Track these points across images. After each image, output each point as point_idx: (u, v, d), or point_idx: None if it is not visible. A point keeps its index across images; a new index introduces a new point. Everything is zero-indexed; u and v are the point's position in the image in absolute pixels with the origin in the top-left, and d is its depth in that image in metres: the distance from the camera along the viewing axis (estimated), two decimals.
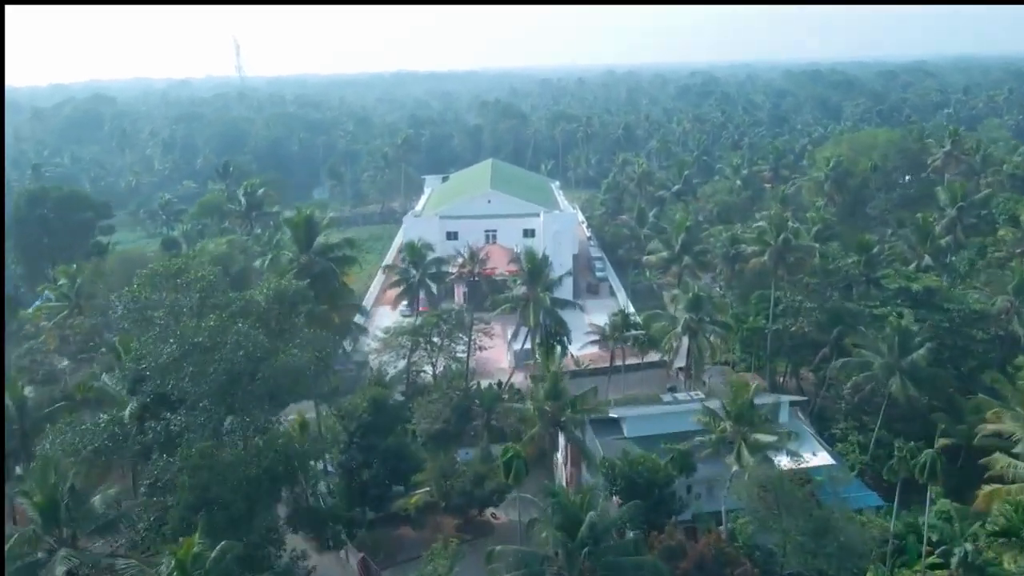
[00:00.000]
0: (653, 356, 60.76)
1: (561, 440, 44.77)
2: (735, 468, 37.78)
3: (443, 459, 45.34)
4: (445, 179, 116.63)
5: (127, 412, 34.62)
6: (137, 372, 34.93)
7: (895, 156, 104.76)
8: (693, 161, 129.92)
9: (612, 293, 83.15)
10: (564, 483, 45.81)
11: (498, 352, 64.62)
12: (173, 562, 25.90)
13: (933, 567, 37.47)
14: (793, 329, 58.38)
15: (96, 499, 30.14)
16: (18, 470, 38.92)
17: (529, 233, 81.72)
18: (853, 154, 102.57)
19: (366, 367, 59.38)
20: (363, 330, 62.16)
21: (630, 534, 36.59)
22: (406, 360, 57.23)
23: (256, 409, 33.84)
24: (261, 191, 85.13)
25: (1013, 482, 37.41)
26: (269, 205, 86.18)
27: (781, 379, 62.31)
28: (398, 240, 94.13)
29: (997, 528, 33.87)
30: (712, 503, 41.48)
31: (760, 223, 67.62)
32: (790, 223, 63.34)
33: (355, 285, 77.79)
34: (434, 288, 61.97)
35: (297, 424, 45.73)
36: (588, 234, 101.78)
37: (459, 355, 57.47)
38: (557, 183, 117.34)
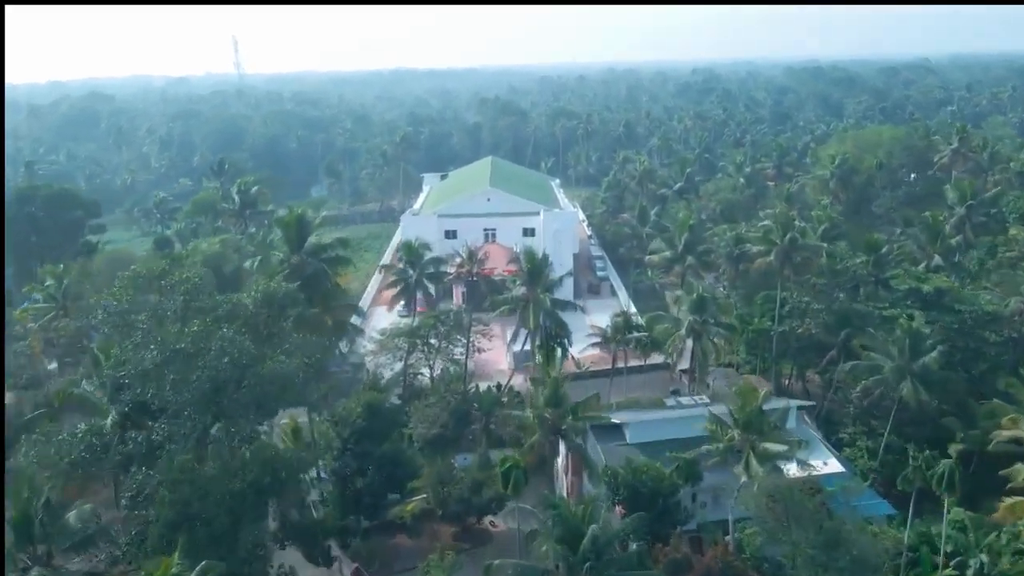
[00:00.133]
0: (656, 358, 59.59)
1: (562, 447, 43.41)
2: (744, 479, 36.38)
3: (440, 465, 44.11)
4: (444, 177, 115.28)
5: (108, 421, 33.15)
6: (117, 379, 33.46)
7: (901, 153, 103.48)
8: (695, 159, 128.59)
9: (613, 293, 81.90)
10: (565, 492, 44.48)
11: (497, 354, 63.46)
12: None
13: None
14: (800, 331, 57.11)
15: (72, 514, 28.63)
16: None
17: (529, 232, 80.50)
18: (858, 152, 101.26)
19: (362, 369, 58.21)
20: (359, 331, 60.81)
21: (633, 546, 35.32)
22: (403, 362, 56.01)
23: (242, 418, 32.36)
24: (255, 189, 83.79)
25: None
26: (263, 203, 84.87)
27: (787, 382, 61.07)
28: (396, 239, 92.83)
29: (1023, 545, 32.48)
30: (718, 512, 40.14)
31: (765, 222, 66.44)
32: (796, 222, 62.13)
33: (352, 285, 76.64)
34: (432, 288, 60.75)
35: (289, 430, 44.53)
36: (589, 233, 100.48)
37: (457, 357, 56.26)
38: (557, 181, 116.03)
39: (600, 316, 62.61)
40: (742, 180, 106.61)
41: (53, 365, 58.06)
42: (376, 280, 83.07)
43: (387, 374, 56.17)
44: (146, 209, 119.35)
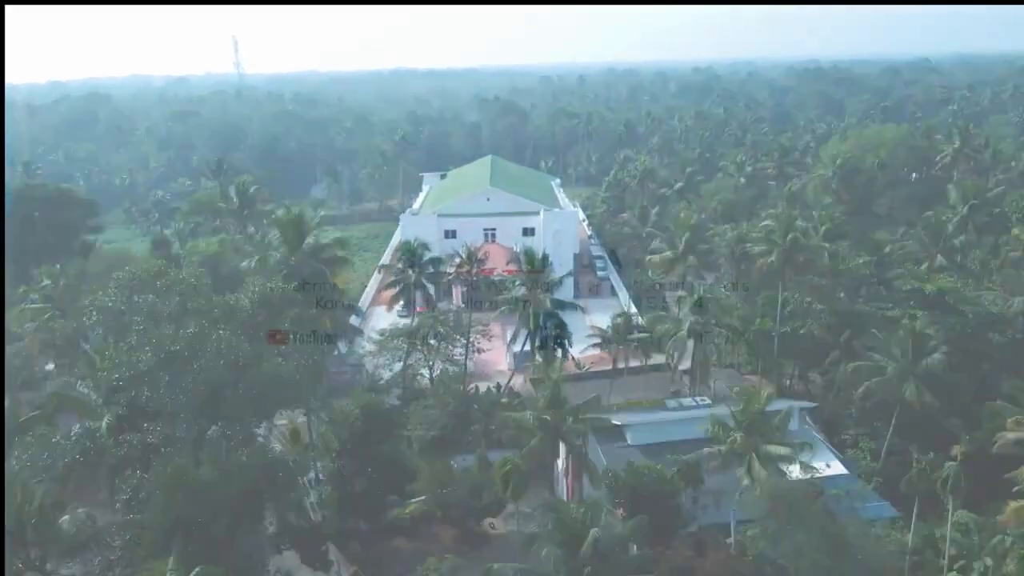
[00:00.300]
0: (656, 359, 59.15)
1: (562, 449, 43.02)
2: (746, 482, 36.00)
3: (440, 467, 43.73)
4: (443, 176, 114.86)
5: (103, 424, 32.75)
6: (112, 382, 33.07)
7: (903, 153, 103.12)
8: (696, 158, 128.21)
9: (614, 293, 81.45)
10: (565, 494, 44.12)
11: (497, 354, 63.14)
12: None
13: None
14: (801, 331, 56.76)
15: (65, 519, 28.24)
16: None
17: (529, 232, 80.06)
18: (860, 151, 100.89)
19: (361, 370, 57.93)
20: (358, 332, 60.54)
21: (634, 549, 34.97)
22: (402, 363, 55.70)
23: (239, 420, 31.97)
24: (254, 189, 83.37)
25: None
26: (262, 203, 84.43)
27: (788, 383, 60.71)
28: (395, 239, 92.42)
29: None
30: (720, 514, 39.74)
31: (767, 222, 66.02)
32: (798, 222, 61.79)
33: (352, 285, 76.22)
34: (431, 288, 60.40)
35: (288, 432, 44.17)
36: (589, 233, 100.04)
37: (457, 357, 55.94)
38: (558, 181, 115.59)
39: (600, 316, 62.20)
40: (743, 180, 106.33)
41: (50, 366, 57.73)
42: (375, 280, 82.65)
43: (386, 375, 55.87)
44: (144, 209, 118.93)
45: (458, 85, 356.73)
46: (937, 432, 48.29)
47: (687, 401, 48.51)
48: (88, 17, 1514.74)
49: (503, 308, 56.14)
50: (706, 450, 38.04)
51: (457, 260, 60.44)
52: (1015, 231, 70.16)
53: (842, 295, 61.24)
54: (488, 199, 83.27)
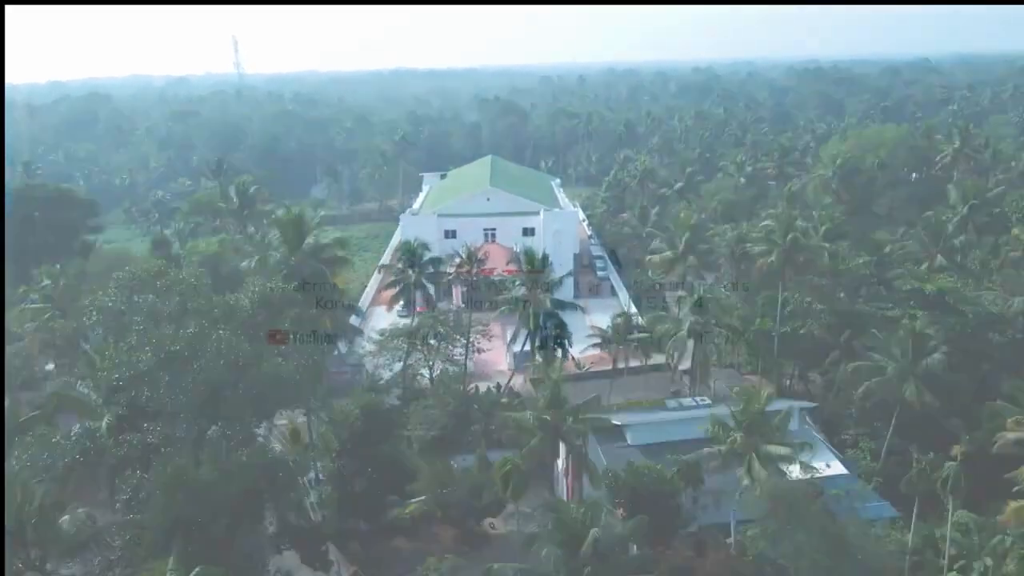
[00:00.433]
0: (656, 359, 59.13)
1: (562, 449, 43.02)
2: (746, 482, 36.00)
3: (439, 467, 43.72)
4: (443, 176, 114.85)
5: (103, 424, 32.73)
6: (112, 382, 33.05)
7: (903, 153, 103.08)
8: (696, 158, 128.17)
9: (614, 293, 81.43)
10: (565, 494, 44.11)
11: (497, 354, 63.13)
12: None
13: None
14: (802, 331, 56.75)
15: (65, 519, 28.23)
16: None
17: (529, 232, 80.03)
18: (860, 151, 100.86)
19: (361, 370, 57.93)
20: (358, 332, 60.55)
21: (634, 549, 34.96)
22: (402, 363, 55.69)
23: (239, 420, 31.95)
24: (254, 189, 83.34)
25: None
26: (262, 203, 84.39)
27: (788, 382, 60.70)
28: (395, 239, 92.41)
29: None
30: (720, 514, 39.73)
31: (767, 222, 66.00)
32: (798, 222, 61.77)
33: (351, 285, 76.20)
34: (431, 288, 60.39)
35: (288, 432, 44.16)
36: (589, 233, 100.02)
37: (457, 357, 55.93)
38: (558, 180, 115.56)
39: (600, 316, 62.19)
40: (743, 180, 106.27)
41: (50, 366, 57.72)
42: (375, 280, 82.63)
43: (386, 375, 55.85)
44: (144, 209, 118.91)
45: (458, 85, 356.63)
46: (937, 432, 48.29)
47: (687, 401, 48.49)
48: (88, 17, 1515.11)
49: (503, 308, 56.10)
50: (706, 450, 38.02)
51: (457, 260, 60.42)
52: (1015, 231, 70.15)
53: (842, 295, 61.21)
54: (488, 199, 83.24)
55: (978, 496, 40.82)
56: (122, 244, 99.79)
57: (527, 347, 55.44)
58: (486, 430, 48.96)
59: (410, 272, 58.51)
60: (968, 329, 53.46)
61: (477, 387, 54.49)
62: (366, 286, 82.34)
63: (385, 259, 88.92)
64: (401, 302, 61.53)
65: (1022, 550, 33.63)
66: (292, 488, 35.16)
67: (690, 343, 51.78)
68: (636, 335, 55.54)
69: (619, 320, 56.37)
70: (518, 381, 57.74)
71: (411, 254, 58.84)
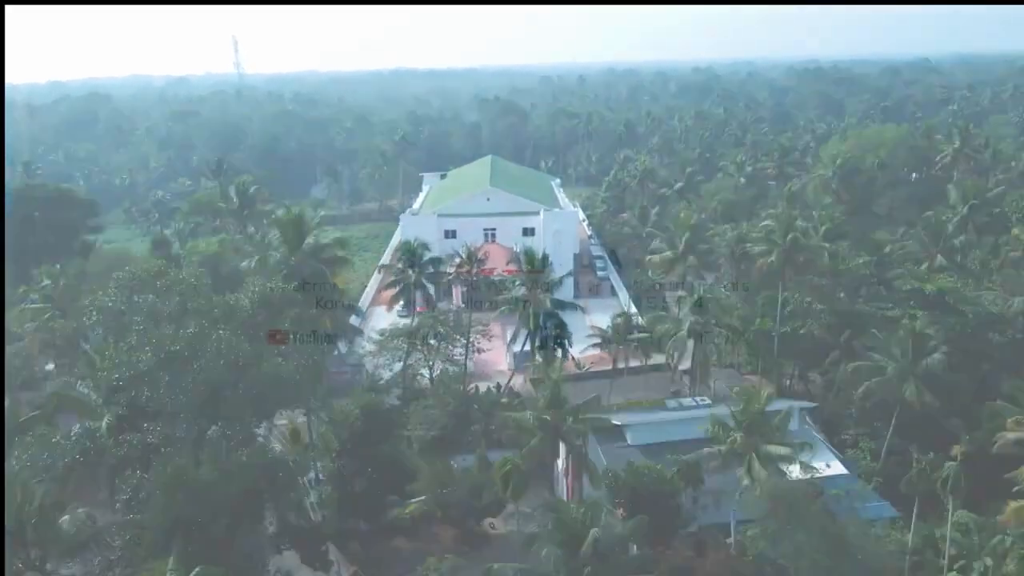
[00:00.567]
0: (656, 359, 59.12)
1: (562, 449, 43.01)
2: (746, 482, 35.99)
3: (439, 467, 43.71)
4: (443, 176, 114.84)
5: (103, 424, 32.73)
6: (111, 382, 33.04)
7: (903, 153, 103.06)
8: (696, 158, 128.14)
9: (614, 293, 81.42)
10: (565, 494, 44.10)
11: (497, 354, 63.13)
12: None
13: None
14: (801, 331, 56.74)
15: (65, 519, 28.23)
16: None
17: (529, 232, 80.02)
18: (860, 151, 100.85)
19: (361, 370, 57.92)
20: (358, 332, 60.54)
21: (634, 549, 34.95)
22: (402, 363, 55.68)
23: (239, 420, 31.95)
24: (254, 189, 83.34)
25: None
26: (262, 203, 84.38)
27: (788, 382, 60.69)
28: (395, 239, 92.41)
29: None
30: (720, 514, 39.73)
31: (767, 222, 65.98)
32: (798, 222, 61.75)
33: (352, 285, 76.18)
34: (431, 288, 60.39)
35: (288, 432, 44.15)
36: (589, 233, 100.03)
37: (457, 357, 55.91)
38: (558, 180, 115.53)
39: (600, 316, 62.18)
40: (743, 180, 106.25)
41: (50, 366, 57.71)
42: (375, 280, 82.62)
43: (386, 375, 55.83)
44: (144, 209, 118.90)
45: (458, 85, 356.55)
46: (937, 432, 48.28)
47: (687, 401, 48.48)
48: (88, 17, 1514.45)
49: (503, 308, 56.08)
50: (706, 450, 38.01)
51: (457, 260, 60.41)
52: (1015, 231, 70.13)
53: (842, 295, 61.19)
54: (488, 199, 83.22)
55: (978, 496, 40.81)
56: (122, 244, 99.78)
57: (527, 347, 55.42)
58: (486, 430, 48.93)
59: (410, 272, 58.50)
60: (968, 329, 53.44)
61: (477, 387, 54.47)
62: (366, 286, 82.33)
63: (385, 259, 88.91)
64: (401, 302, 61.53)
65: (1022, 550, 33.63)
66: (292, 488, 35.16)
67: (690, 343, 51.77)
68: (636, 335, 55.52)
69: (619, 320, 56.34)
70: (518, 381, 57.72)
71: (411, 254, 58.83)
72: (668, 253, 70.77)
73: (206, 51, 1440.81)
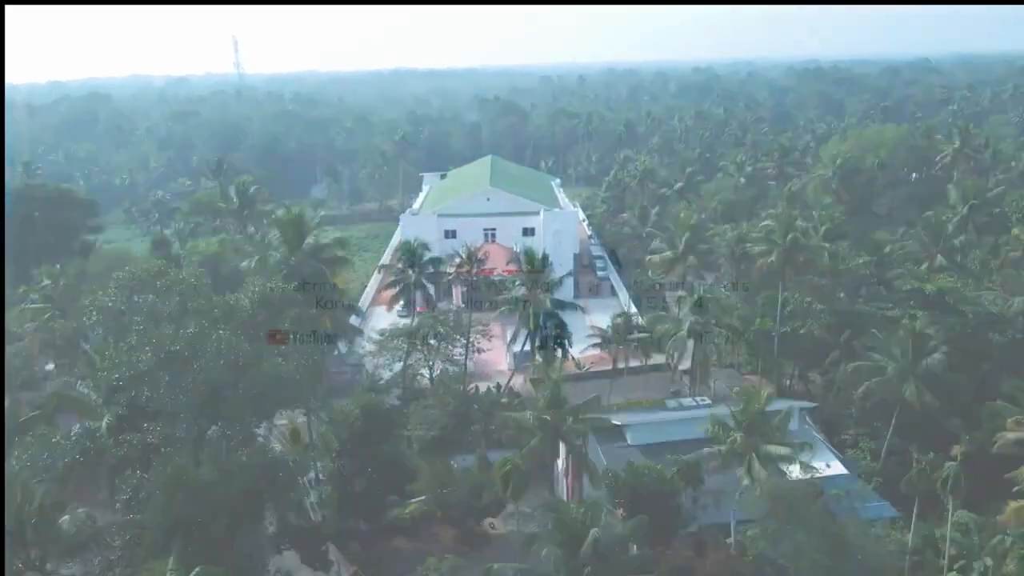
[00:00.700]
0: (656, 359, 59.12)
1: (562, 449, 43.02)
2: (746, 482, 35.99)
3: (439, 467, 43.71)
4: (443, 176, 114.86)
5: (103, 424, 32.73)
6: (111, 382, 33.04)
7: (903, 153, 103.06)
8: (696, 158, 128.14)
9: (613, 293, 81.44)
10: (565, 494, 44.09)
11: (497, 354, 63.13)
12: None
13: None
14: (801, 331, 56.75)
15: (65, 519, 28.24)
16: None
17: (529, 232, 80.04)
18: (860, 151, 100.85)
19: (361, 370, 57.93)
20: (358, 332, 60.55)
21: (634, 549, 34.95)
22: (402, 363, 55.69)
23: (239, 420, 31.95)
24: (254, 189, 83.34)
25: None
26: (262, 203, 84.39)
27: (788, 382, 60.69)
28: (395, 239, 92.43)
29: None
30: (720, 514, 39.73)
31: (767, 222, 65.98)
32: (798, 222, 61.75)
33: (352, 285, 76.18)
34: (431, 288, 60.41)
35: (288, 432, 44.15)
36: (589, 233, 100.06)
37: (457, 357, 55.92)
38: (558, 180, 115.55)
39: (600, 316, 62.18)
40: (743, 180, 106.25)
41: (50, 366, 57.70)
42: (375, 280, 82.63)
43: (386, 375, 55.83)
44: (144, 209, 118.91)
45: (458, 85, 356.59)
46: (937, 432, 48.28)
47: (687, 401, 48.48)
48: (88, 17, 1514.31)
49: (503, 308, 56.07)
50: (706, 450, 38.01)
51: (457, 260, 60.41)
52: (1015, 231, 70.13)
53: (842, 295, 61.19)
54: (488, 199, 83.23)
55: (978, 496, 40.81)
56: (122, 244, 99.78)
57: (527, 347, 55.43)
58: (486, 430, 48.93)
59: (410, 272, 58.50)
60: (968, 329, 53.43)
61: (477, 387, 54.47)
62: (366, 286, 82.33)
63: (385, 259, 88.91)
64: (401, 302, 61.54)
65: (1022, 550, 33.64)
66: (292, 488, 35.16)
67: (690, 343, 51.77)
68: (636, 335, 55.51)
69: (619, 320, 56.34)
70: (518, 381, 57.72)
71: (411, 254, 58.83)
72: (668, 253, 70.77)
73: (206, 51, 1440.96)
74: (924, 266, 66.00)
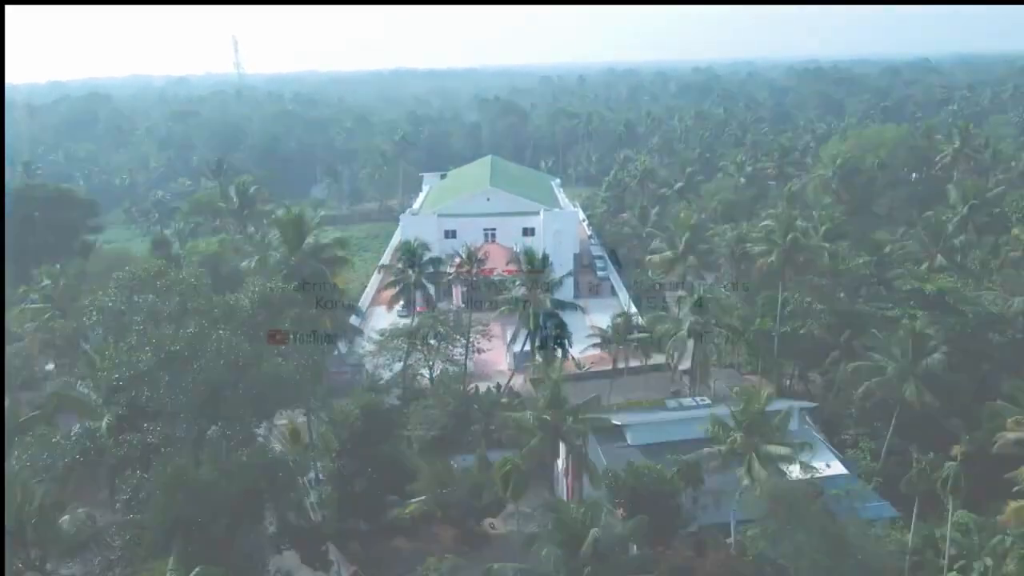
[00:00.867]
0: (656, 359, 59.13)
1: (562, 449, 43.03)
2: (746, 482, 35.99)
3: (439, 467, 43.72)
4: (443, 176, 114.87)
5: (103, 424, 32.73)
6: (111, 382, 33.04)
7: (903, 153, 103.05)
8: (696, 158, 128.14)
9: (613, 293, 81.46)
10: (565, 494, 44.10)
11: (497, 354, 63.14)
12: None
13: None
14: (801, 331, 56.75)
15: (65, 519, 28.24)
16: None
17: (529, 232, 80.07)
18: (860, 151, 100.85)
19: (361, 370, 57.94)
20: (358, 332, 60.56)
21: (634, 549, 34.96)
22: (402, 363, 55.69)
23: (239, 420, 31.97)
24: (254, 189, 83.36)
25: None
26: (262, 203, 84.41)
27: (788, 382, 60.69)
28: (395, 239, 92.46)
29: None
30: (720, 514, 39.74)
31: (767, 222, 65.97)
32: (798, 222, 61.75)
33: (352, 285, 76.20)
34: (431, 288, 60.42)
35: (288, 432, 44.15)
36: (589, 233, 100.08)
37: (457, 357, 55.93)
38: (558, 180, 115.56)
39: (600, 316, 62.20)
40: (743, 180, 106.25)
41: (50, 366, 57.71)
42: (375, 280, 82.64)
43: (386, 375, 55.85)
44: (144, 209, 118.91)
45: (458, 85, 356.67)
46: (937, 432, 48.30)
47: (687, 401, 48.48)
48: (88, 17, 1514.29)
49: (503, 308, 56.08)
50: (706, 450, 38.01)
51: (457, 260, 60.42)
52: (1015, 231, 70.13)
53: (842, 295, 61.19)
54: (488, 199, 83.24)
55: (978, 496, 40.83)
56: (122, 244, 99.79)
57: (527, 347, 55.46)
58: (486, 430, 48.94)
59: (410, 272, 58.51)
60: (968, 329, 53.44)
61: (477, 387, 54.47)
62: (366, 286, 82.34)
63: (385, 259, 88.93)
64: (401, 302, 61.55)
65: (1022, 550, 33.64)
66: (292, 488, 35.17)
67: (690, 343, 51.78)
68: (636, 335, 55.52)
69: (619, 320, 56.34)
70: (518, 381, 57.72)
71: (411, 254, 58.83)
72: (668, 253, 70.77)
73: (206, 51, 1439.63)
74: (924, 266, 65.99)
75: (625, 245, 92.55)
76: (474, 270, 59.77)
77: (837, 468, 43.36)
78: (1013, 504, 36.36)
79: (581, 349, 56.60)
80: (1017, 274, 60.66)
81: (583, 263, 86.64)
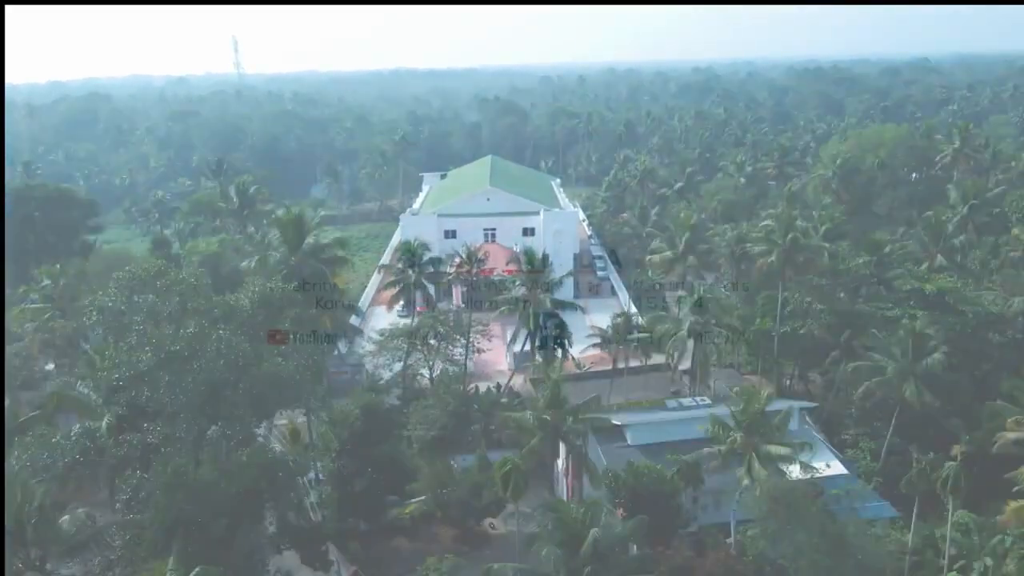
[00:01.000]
0: (656, 359, 59.14)
1: (562, 449, 43.03)
2: (746, 482, 35.99)
3: (439, 467, 43.74)
4: (443, 176, 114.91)
5: (103, 424, 32.75)
6: (111, 382, 33.05)
7: (902, 153, 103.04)
8: (696, 158, 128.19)
9: (613, 293, 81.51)
10: (565, 494, 44.10)
11: (497, 354, 63.18)
12: None
13: None
14: (801, 331, 56.76)
15: (65, 519, 28.25)
16: None
17: (529, 232, 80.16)
18: (859, 151, 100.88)
19: (361, 370, 57.96)
20: (358, 332, 60.61)
21: (634, 549, 34.96)
22: (402, 363, 55.73)
23: (239, 420, 31.97)
24: (254, 189, 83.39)
25: None
26: (262, 203, 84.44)
27: (788, 382, 60.70)
28: (395, 239, 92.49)
29: None
30: (720, 514, 39.74)
31: (767, 222, 65.93)
32: (798, 222, 61.75)
33: (352, 285, 76.23)
34: (431, 288, 60.44)
35: (288, 432, 44.17)
36: (589, 233, 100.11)
37: (457, 357, 55.96)
38: (558, 180, 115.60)
39: (600, 316, 62.24)
40: (743, 180, 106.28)
41: (50, 366, 57.72)
42: (375, 280, 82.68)
43: (386, 375, 55.91)
44: (144, 209, 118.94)
45: (458, 85, 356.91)
46: (937, 432, 48.34)
47: (687, 401, 48.46)
48: (88, 17, 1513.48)
49: (503, 308, 56.10)
50: (706, 450, 38.00)
51: (457, 260, 60.44)
52: (1015, 231, 70.13)
53: (842, 295, 61.19)
54: (488, 199, 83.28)
55: (978, 496, 40.83)
56: (122, 244, 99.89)
57: (527, 347, 55.49)
58: (486, 430, 48.96)
59: (410, 272, 58.52)
60: (968, 329, 53.43)
61: (477, 387, 54.50)
62: (366, 286, 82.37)
63: (385, 259, 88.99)
64: (401, 302, 61.59)
65: (1022, 550, 33.62)
66: (292, 488, 35.15)
67: (690, 343, 51.76)
68: (636, 335, 55.52)
69: (619, 320, 56.35)
70: (518, 381, 57.76)
71: (411, 254, 58.84)
72: (668, 253, 70.77)
73: (206, 51, 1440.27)
74: (924, 266, 65.96)
75: (625, 245, 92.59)
76: (474, 270, 59.77)
77: (837, 468, 43.33)
78: (1013, 504, 36.36)
79: (581, 349, 56.60)
80: (1017, 274, 60.65)
81: (583, 263, 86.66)
